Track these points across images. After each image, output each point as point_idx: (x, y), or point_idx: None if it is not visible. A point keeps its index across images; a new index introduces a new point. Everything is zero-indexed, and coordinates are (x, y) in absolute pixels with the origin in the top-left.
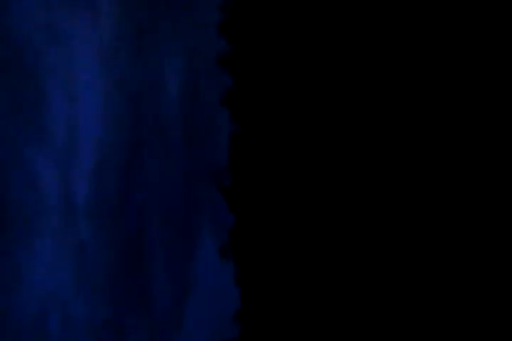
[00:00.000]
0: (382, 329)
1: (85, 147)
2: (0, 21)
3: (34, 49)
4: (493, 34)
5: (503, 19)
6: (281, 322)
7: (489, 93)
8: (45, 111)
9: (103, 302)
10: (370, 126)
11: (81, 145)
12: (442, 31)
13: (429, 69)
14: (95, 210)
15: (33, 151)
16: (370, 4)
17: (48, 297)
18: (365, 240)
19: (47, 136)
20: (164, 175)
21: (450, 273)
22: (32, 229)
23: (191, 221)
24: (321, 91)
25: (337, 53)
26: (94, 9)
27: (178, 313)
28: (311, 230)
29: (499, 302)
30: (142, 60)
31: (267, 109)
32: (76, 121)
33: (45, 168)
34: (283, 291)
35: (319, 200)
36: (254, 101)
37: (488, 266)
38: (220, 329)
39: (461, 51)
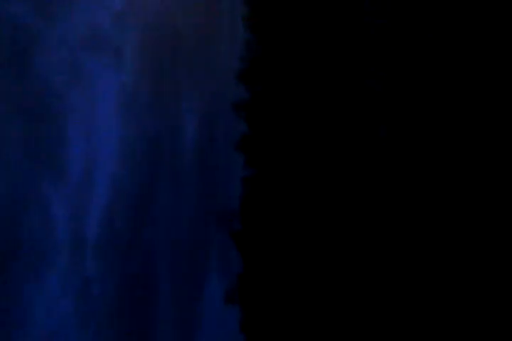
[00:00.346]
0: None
1: (100, 183)
2: (25, 61)
3: (56, 89)
4: (493, 34)
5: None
6: None
7: (489, 93)
8: (63, 148)
9: None
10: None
11: (96, 181)
12: (446, 32)
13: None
14: (104, 247)
15: (49, 187)
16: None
17: (50, 337)
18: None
19: (63, 172)
20: (175, 214)
21: (450, 273)
22: (40, 264)
23: (200, 262)
24: (331, 140)
25: (347, 102)
26: (116, 52)
27: None
28: (319, 278)
29: (499, 302)
30: (160, 103)
31: (280, 155)
32: (93, 158)
33: (60, 204)
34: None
35: (328, 249)
36: (268, 146)
37: (488, 265)
38: None
39: (461, 51)
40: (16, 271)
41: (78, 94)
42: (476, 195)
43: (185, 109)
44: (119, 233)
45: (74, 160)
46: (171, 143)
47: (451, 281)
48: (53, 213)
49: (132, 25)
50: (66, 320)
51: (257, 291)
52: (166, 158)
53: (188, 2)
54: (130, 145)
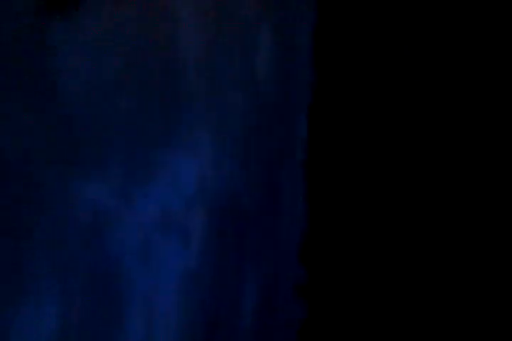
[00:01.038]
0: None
1: None
2: (99, 238)
3: (124, 270)
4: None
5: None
6: None
7: (489, 93)
8: (119, 330)
9: None
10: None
11: None
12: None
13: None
14: None
15: None
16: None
17: None
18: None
19: None
20: None
21: (450, 273)
22: None
23: None
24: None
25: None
26: (185, 235)
27: None
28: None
29: (499, 302)
30: (222, 286)
31: (344, 303)
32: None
33: None
34: None
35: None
36: (329, 295)
37: (488, 265)
38: None
39: (461, 51)
40: None
41: (143, 275)
42: (476, 194)
43: (247, 292)
44: None
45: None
46: (228, 318)
47: (451, 281)
48: None
49: (202, 209)
50: None
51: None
52: (223, 331)
53: (250, 180)
54: (189, 331)
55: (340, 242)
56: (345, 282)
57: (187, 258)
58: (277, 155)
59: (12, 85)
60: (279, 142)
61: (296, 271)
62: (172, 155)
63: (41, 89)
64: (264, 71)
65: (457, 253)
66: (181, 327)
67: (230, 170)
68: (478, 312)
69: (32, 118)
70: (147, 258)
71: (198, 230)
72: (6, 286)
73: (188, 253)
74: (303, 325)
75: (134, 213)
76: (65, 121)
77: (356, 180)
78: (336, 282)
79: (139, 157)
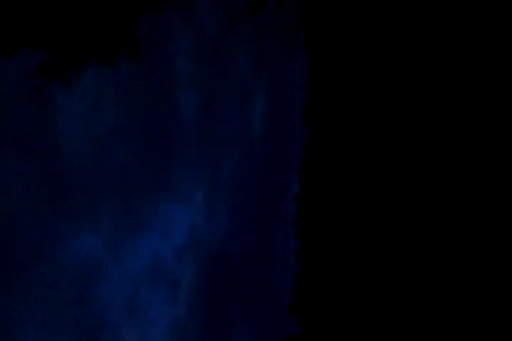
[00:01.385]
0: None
1: None
2: (87, 288)
3: (113, 321)
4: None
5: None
6: None
7: (489, 93)
8: None
9: None
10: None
11: None
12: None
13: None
14: None
15: None
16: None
17: None
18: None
19: None
20: None
21: (450, 273)
22: None
23: None
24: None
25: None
26: (174, 285)
27: None
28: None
29: (499, 302)
30: (211, 330)
31: None
32: None
33: None
34: None
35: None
36: None
37: (488, 266)
38: None
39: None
40: None
41: (132, 326)
42: (476, 194)
43: (236, 339)
44: None
45: None
46: None
47: (451, 281)
48: None
49: (191, 258)
50: None
51: None
52: None
53: (243, 236)
54: None
55: (331, 294)
56: (337, 331)
57: (175, 308)
58: (268, 208)
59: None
60: (270, 195)
61: (287, 321)
62: (164, 206)
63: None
64: (258, 126)
65: (454, 270)
66: None
67: (220, 220)
68: (471, 312)
69: (30, 172)
70: (135, 308)
71: (187, 279)
72: None
73: (176, 303)
74: None
75: (124, 263)
76: (65, 174)
77: (347, 236)
78: (327, 333)
79: (131, 208)
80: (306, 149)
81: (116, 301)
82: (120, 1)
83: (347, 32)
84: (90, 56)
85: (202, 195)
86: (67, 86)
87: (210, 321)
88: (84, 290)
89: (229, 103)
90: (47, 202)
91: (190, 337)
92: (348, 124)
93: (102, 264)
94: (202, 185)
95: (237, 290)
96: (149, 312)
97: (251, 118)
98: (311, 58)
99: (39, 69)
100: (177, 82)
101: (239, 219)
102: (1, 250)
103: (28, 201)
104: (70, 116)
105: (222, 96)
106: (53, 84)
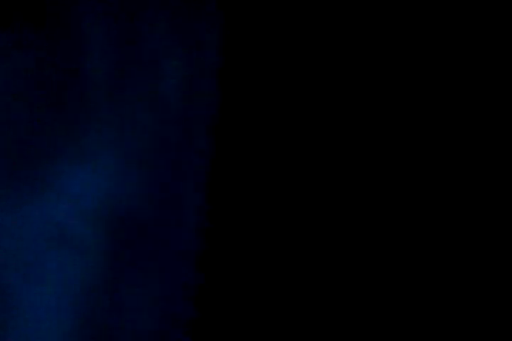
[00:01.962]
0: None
1: None
2: None
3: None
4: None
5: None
6: None
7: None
8: None
9: None
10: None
11: None
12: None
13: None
14: None
15: None
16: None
17: None
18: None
19: None
20: None
21: (450, 273)
22: None
23: None
24: None
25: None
26: (78, 244)
27: None
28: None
29: (499, 302)
30: (116, 295)
31: None
32: None
33: None
34: None
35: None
36: (226, 299)
37: (488, 266)
38: None
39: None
40: None
41: (29, 288)
42: (476, 194)
43: (141, 303)
44: None
45: None
46: None
47: (451, 281)
48: None
49: (97, 221)
50: None
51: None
52: None
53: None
54: None
55: (240, 249)
56: (244, 287)
57: (80, 271)
58: (177, 168)
59: None
60: (178, 154)
61: (193, 280)
62: (68, 167)
63: None
64: (173, 89)
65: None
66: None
67: (127, 182)
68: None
69: None
70: (35, 272)
71: (91, 242)
72: None
73: (81, 266)
74: (196, 327)
75: (22, 225)
76: None
77: (260, 192)
78: (234, 287)
79: (31, 167)
80: (220, 112)
81: (12, 264)
82: None
83: None
84: None
85: (112, 159)
86: None
87: (116, 285)
88: None
89: (142, 66)
90: None
91: (95, 300)
92: (263, 87)
93: None
94: (112, 148)
95: (149, 254)
96: (52, 276)
97: (165, 81)
98: (226, 17)
99: None
100: (86, 44)
101: (150, 183)
102: None
103: None
104: None
105: (135, 60)
106: None
